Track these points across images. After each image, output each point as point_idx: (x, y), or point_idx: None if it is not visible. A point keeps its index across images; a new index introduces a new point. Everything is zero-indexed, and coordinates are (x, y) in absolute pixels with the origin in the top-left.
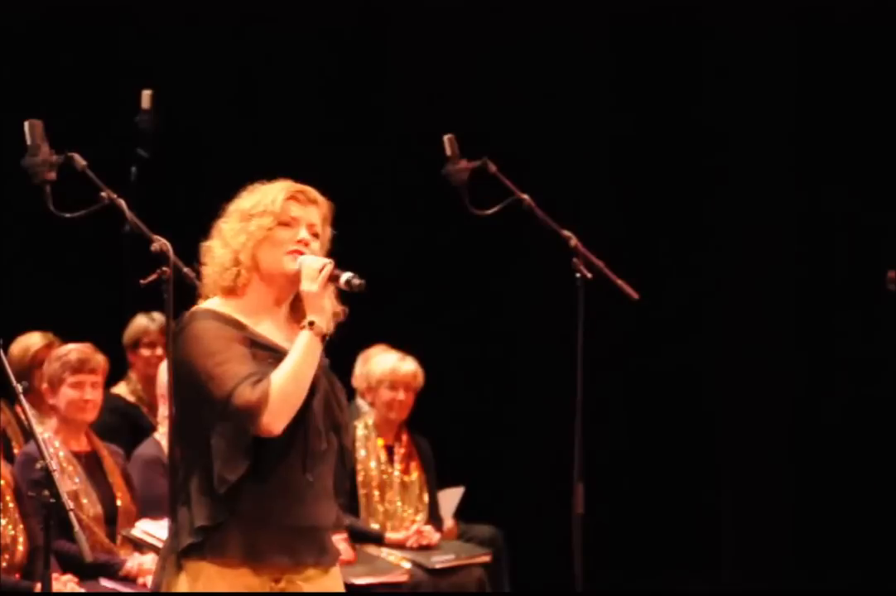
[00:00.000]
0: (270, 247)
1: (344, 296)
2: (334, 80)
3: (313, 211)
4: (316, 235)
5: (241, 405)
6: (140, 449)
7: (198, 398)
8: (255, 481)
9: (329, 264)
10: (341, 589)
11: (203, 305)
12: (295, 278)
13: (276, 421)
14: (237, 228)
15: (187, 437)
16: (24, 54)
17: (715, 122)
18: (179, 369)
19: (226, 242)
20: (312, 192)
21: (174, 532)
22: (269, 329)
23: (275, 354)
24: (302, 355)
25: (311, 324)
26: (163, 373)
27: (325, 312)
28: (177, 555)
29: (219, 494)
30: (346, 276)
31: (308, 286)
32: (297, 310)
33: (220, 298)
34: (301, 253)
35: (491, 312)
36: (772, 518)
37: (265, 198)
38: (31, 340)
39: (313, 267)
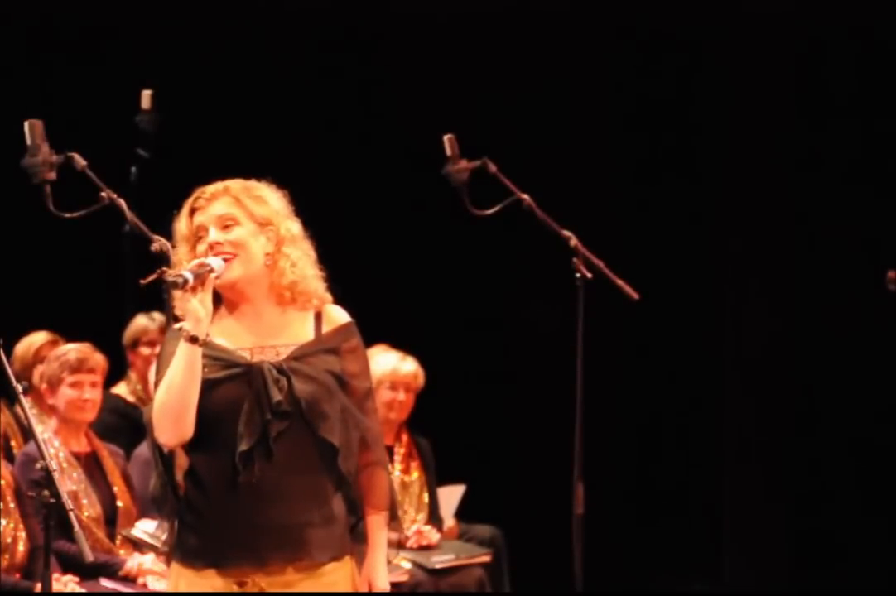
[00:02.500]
0: None
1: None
2: (334, 80)
3: (217, 205)
4: (227, 226)
5: (146, 422)
6: (140, 449)
7: None
8: (198, 489)
9: (181, 269)
10: (337, 588)
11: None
12: (231, 281)
13: (161, 434)
14: (176, 260)
15: None
16: (25, 54)
17: (715, 121)
18: None
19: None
20: (212, 188)
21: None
22: (230, 330)
23: (221, 362)
24: (175, 366)
25: (181, 330)
26: (153, 376)
27: (192, 316)
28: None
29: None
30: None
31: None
32: (280, 295)
33: None
34: (217, 254)
35: (491, 312)
36: (772, 518)
37: (179, 223)
38: (36, 338)
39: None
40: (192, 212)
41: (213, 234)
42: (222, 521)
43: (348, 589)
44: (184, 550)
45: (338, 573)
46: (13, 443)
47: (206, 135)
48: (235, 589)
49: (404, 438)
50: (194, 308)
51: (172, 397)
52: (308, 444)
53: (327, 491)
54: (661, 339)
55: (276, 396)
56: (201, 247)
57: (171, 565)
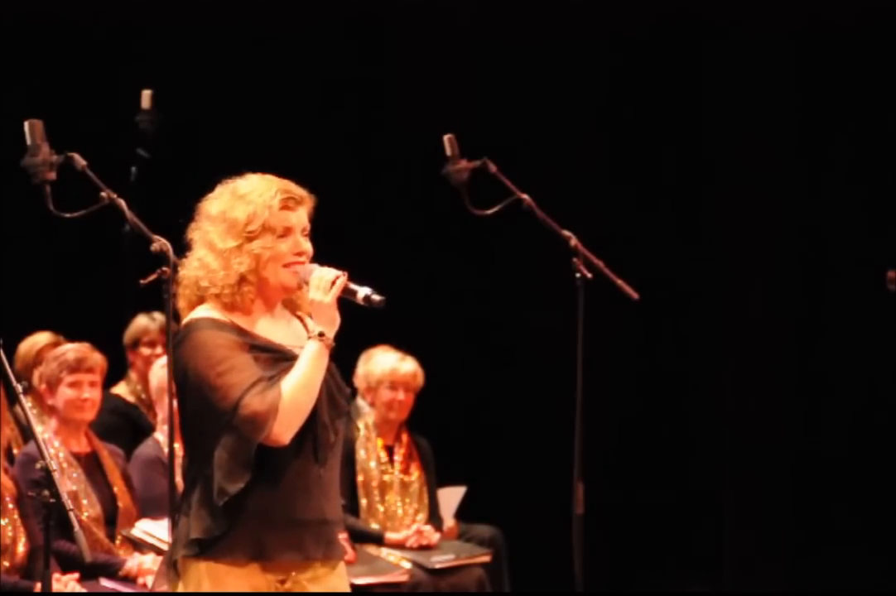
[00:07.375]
0: (273, 263)
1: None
2: (334, 80)
3: (303, 212)
4: (306, 236)
5: (249, 415)
6: (140, 449)
7: (202, 408)
8: (267, 479)
9: (342, 277)
10: (347, 587)
11: (199, 313)
12: (292, 289)
13: (286, 431)
14: (234, 247)
15: (192, 446)
16: (25, 54)
17: (714, 120)
18: (183, 380)
19: (227, 264)
20: (298, 192)
21: (173, 542)
22: (266, 328)
23: (275, 354)
24: (311, 366)
25: (321, 335)
26: (155, 377)
27: (335, 323)
28: (174, 563)
29: (218, 507)
30: (364, 291)
31: (320, 297)
32: (288, 304)
33: (214, 304)
34: (301, 264)
35: (491, 312)
36: (772, 518)
37: (259, 210)
38: (39, 338)
39: (325, 278)
40: (283, 207)
41: (306, 244)
42: (277, 514)
43: (348, 589)
44: (225, 547)
45: (345, 575)
46: (13, 443)
47: (206, 135)
48: (278, 586)
49: (404, 438)
50: (336, 317)
51: (308, 397)
52: (341, 439)
53: (338, 489)
54: (661, 339)
55: (343, 383)
56: (284, 245)
57: (187, 564)
